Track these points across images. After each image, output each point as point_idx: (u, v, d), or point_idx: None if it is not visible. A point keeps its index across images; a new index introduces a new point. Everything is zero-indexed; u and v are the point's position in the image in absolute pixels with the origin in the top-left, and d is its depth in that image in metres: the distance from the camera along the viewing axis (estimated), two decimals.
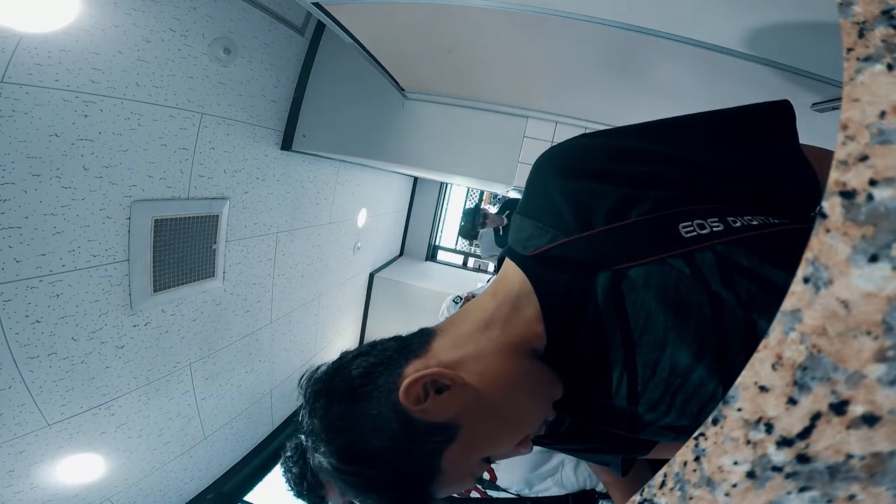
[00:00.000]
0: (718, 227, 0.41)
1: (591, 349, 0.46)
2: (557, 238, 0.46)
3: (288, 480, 0.98)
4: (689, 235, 0.41)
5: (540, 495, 1.06)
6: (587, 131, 0.52)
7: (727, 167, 0.45)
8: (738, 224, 0.41)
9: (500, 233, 3.24)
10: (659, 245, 0.42)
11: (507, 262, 0.51)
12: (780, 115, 0.47)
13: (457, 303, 1.72)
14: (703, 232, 0.41)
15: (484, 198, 5.47)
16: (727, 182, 0.45)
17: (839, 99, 0.20)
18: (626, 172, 0.44)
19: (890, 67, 0.19)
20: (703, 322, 0.40)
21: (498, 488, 1.05)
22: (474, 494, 1.09)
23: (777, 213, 0.43)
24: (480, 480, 1.06)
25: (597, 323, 0.45)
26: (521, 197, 0.59)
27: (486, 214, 3.15)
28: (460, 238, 4.09)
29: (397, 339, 0.51)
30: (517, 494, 1.05)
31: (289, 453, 1.01)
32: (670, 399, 0.43)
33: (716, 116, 0.48)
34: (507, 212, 3.18)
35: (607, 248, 0.44)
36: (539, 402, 0.48)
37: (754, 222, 0.42)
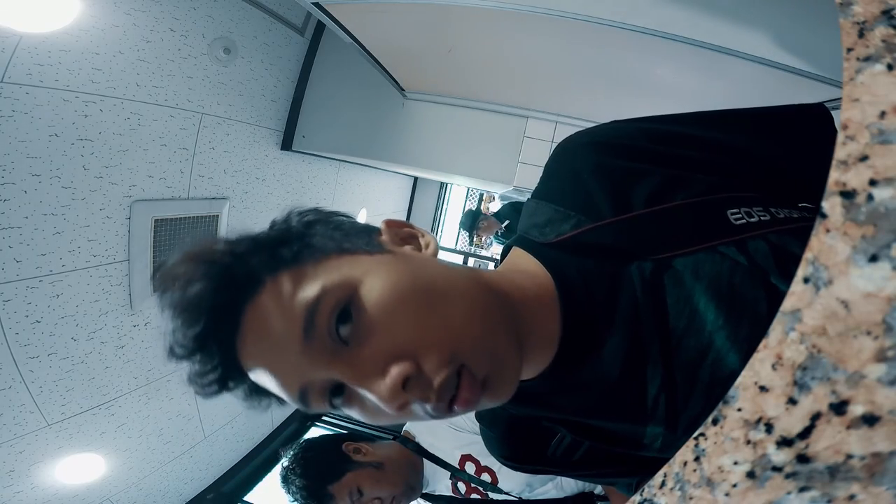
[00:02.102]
0: (765, 216, 0.37)
1: (623, 357, 0.38)
2: (584, 223, 0.40)
3: (292, 493, 0.98)
4: (738, 223, 0.37)
5: (539, 498, 1.06)
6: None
7: (768, 160, 0.43)
8: (781, 215, 0.38)
9: (499, 234, 3.18)
10: (710, 231, 0.37)
11: (516, 251, 0.44)
12: (818, 116, 0.45)
13: None
14: (752, 220, 0.37)
15: (484, 198, 5.47)
16: (767, 174, 0.42)
17: (839, 99, 0.20)
18: (669, 154, 0.40)
19: (890, 67, 0.19)
20: (758, 321, 0.34)
21: (499, 491, 1.05)
22: (474, 496, 1.09)
23: (812, 210, 0.41)
24: (482, 482, 1.06)
25: (633, 322, 0.37)
26: (523, 201, 0.52)
27: (479, 224, 3.04)
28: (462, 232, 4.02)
29: None
30: (518, 497, 1.06)
31: (288, 465, 1.01)
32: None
33: (754, 111, 0.45)
34: (507, 221, 3.10)
35: (650, 234, 0.38)
36: (465, 327, 0.35)
37: (795, 215, 0.39)
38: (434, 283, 0.36)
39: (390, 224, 0.43)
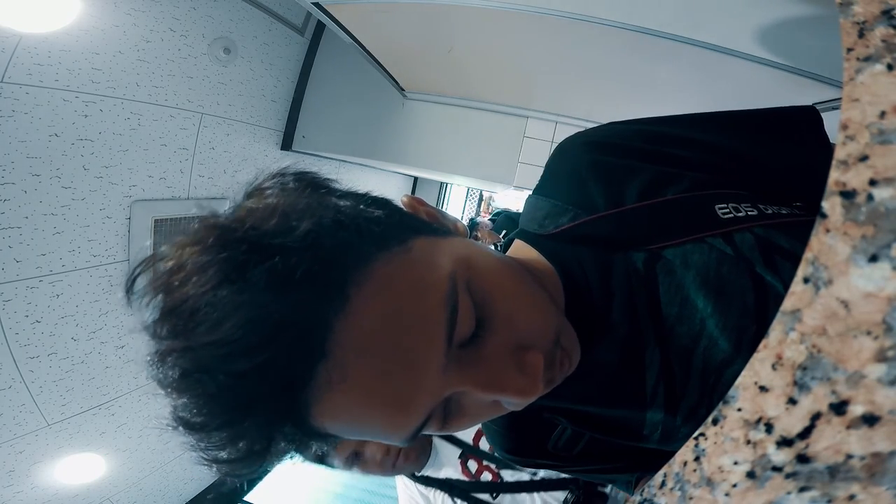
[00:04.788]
0: (753, 211, 0.39)
1: (622, 343, 0.39)
2: (580, 216, 0.42)
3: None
4: (726, 217, 0.38)
5: (550, 477, 1.05)
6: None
7: (758, 159, 0.44)
8: (769, 211, 0.39)
9: (498, 247, 3.17)
10: (697, 224, 0.38)
11: (518, 243, 0.45)
12: (808, 117, 0.46)
13: None
14: (740, 215, 0.38)
15: (484, 197, 5.47)
16: (758, 174, 0.43)
17: (839, 99, 0.20)
18: (661, 153, 0.42)
19: (890, 67, 0.19)
20: (746, 309, 0.35)
21: (510, 467, 1.04)
22: (486, 476, 1.08)
23: (802, 208, 0.42)
24: (496, 459, 1.06)
25: (630, 309, 0.39)
26: (520, 212, 0.53)
27: (476, 234, 3.05)
28: None
29: None
30: (531, 476, 1.05)
31: None
32: (708, 402, 0.38)
33: (745, 113, 0.46)
34: (504, 231, 3.11)
35: (641, 226, 0.40)
36: (551, 305, 0.36)
37: (783, 211, 0.40)
38: (512, 266, 0.35)
39: (418, 201, 0.39)
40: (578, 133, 0.47)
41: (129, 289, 0.28)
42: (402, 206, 0.37)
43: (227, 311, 0.24)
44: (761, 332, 0.35)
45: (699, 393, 0.38)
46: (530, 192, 0.49)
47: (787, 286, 0.35)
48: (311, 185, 0.32)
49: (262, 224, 0.26)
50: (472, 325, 0.30)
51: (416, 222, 0.34)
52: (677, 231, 0.39)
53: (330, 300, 0.25)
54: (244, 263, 0.24)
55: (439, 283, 0.28)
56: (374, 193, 0.35)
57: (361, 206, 0.30)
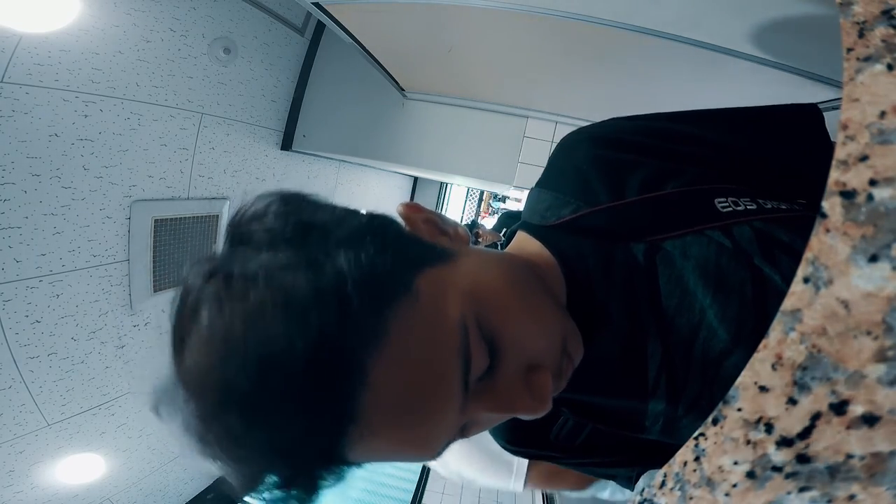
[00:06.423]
0: (752, 206, 0.39)
1: (624, 334, 0.40)
2: (582, 209, 0.42)
3: None
4: (725, 210, 0.39)
5: None
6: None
7: (759, 156, 0.45)
8: (769, 206, 0.40)
9: (499, 246, 3.17)
10: (697, 216, 0.39)
11: (520, 235, 0.46)
12: (809, 115, 0.47)
13: None
14: (739, 209, 0.39)
15: (484, 197, 5.48)
16: (758, 170, 0.44)
17: (839, 99, 0.20)
18: (662, 148, 0.43)
19: (890, 67, 0.19)
20: (744, 301, 0.36)
21: None
22: None
23: (803, 206, 0.43)
24: None
25: (630, 300, 0.40)
26: (521, 210, 0.53)
27: (477, 233, 3.07)
28: None
29: None
30: None
31: None
32: (709, 393, 0.38)
33: (746, 110, 0.47)
34: (505, 229, 3.12)
35: (641, 218, 0.41)
36: (556, 313, 0.36)
37: (783, 206, 0.41)
38: (517, 278, 0.36)
39: (415, 209, 0.40)
40: (581, 129, 0.48)
41: (157, 411, 0.31)
42: (399, 219, 0.38)
43: (244, 434, 0.26)
44: (760, 323, 0.34)
45: (700, 383, 0.39)
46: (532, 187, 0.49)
47: (785, 279, 0.34)
48: (304, 230, 0.30)
49: (263, 333, 0.25)
50: (487, 362, 0.31)
51: (417, 250, 0.34)
52: (677, 223, 0.40)
53: (351, 381, 0.27)
54: (250, 395, 0.25)
55: (451, 336, 0.30)
56: (373, 212, 0.36)
57: (363, 255, 0.29)
